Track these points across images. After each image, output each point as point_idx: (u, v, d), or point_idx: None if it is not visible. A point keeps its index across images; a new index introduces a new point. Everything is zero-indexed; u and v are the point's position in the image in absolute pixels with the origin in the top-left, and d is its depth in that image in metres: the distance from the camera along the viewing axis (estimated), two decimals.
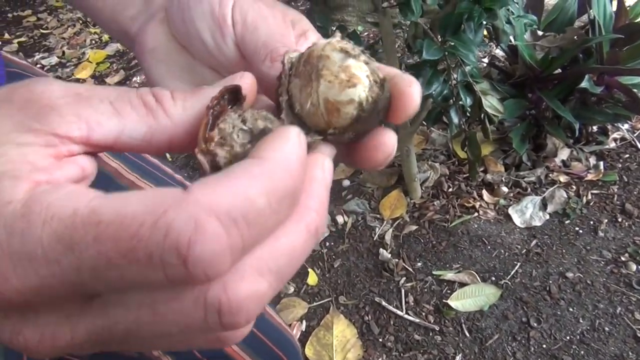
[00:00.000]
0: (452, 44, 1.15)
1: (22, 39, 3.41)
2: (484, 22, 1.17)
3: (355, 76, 0.21)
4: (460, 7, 1.15)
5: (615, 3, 1.61)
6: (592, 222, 1.45)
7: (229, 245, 0.15)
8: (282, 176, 0.16)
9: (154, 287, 0.16)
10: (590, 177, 1.56)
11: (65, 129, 0.18)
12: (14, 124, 0.17)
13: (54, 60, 3.07)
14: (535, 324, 1.25)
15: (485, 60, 2.03)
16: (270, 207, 0.16)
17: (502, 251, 1.43)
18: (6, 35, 3.49)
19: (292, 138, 0.18)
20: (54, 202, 0.16)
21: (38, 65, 3.05)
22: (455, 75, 1.26)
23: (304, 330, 1.35)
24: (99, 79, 2.77)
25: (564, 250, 1.40)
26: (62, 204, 0.16)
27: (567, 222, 1.47)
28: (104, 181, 0.54)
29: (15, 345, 0.17)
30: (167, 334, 0.17)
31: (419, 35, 1.27)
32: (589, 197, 1.51)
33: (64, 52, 3.12)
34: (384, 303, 1.36)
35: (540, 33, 1.64)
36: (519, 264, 1.39)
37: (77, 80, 2.80)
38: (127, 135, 0.19)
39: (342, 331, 1.32)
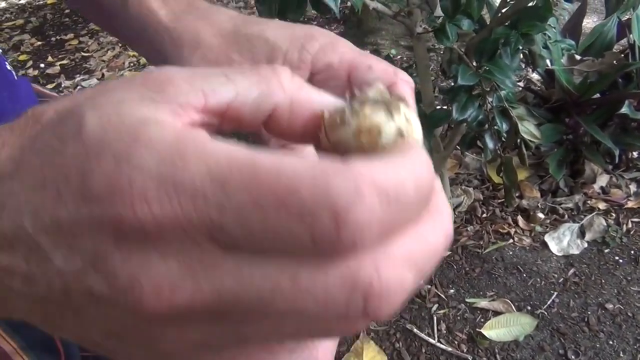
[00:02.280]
0: (488, 69, 1.14)
1: (65, 61, 3.53)
2: (521, 47, 1.16)
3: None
4: (496, 33, 1.15)
5: None
6: (632, 252, 1.41)
7: (380, 219, 0.15)
8: (426, 171, 0.16)
9: (297, 253, 0.15)
10: (630, 204, 1.52)
11: (185, 99, 0.17)
12: (138, 98, 0.17)
13: (94, 81, 3.17)
14: (573, 357, 1.21)
15: (521, 84, 2.01)
16: (417, 197, 0.16)
17: (538, 280, 1.39)
18: (49, 58, 3.63)
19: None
20: (208, 144, 0.16)
21: (79, 87, 3.16)
22: (490, 100, 1.25)
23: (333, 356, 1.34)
24: None
25: (603, 281, 1.35)
26: (216, 146, 0.16)
27: (606, 251, 1.42)
28: None
29: (129, 295, 0.16)
30: (299, 313, 0.16)
31: (454, 60, 1.26)
32: (629, 225, 1.47)
33: (103, 75, 3.22)
34: (415, 330, 1.34)
35: (578, 57, 1.62)
36: (555, 293, 1.35)
37: None
38: (239, 100, 0.18)
39: (372, 358, 1.30)
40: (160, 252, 0.15)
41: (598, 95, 1.56)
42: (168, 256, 0.15)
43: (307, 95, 0.19)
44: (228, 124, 0.19)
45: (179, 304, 0.15)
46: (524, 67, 1.92)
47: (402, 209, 0.15)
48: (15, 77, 0.45)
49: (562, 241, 1.46)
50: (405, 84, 0.28)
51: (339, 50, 0.30)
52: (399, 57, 2.48)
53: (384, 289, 0.15)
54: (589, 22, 2.35)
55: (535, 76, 1.94)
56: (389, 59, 1.34)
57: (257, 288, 0.15)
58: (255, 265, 0.15)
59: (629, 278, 1.34)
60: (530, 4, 1.15)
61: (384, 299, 0.15)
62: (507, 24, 1.17)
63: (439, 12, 1.10)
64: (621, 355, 1.20)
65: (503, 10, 1.22)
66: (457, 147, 1.44)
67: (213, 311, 0.16)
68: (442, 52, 1.30)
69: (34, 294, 0.17)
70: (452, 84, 1.24)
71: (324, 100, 0.20)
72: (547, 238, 1.47)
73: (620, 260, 1.39)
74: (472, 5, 1.03)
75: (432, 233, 0.17)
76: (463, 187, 1.66)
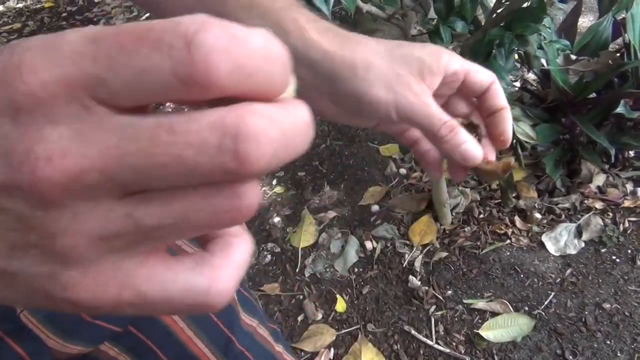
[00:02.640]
0: None
1: None
2: (515, 48, 1.16)
3: None
4: (490, 34, 1.15)
5: None
6: (629, 251, 1.41)
7: (227, 48, 0.16)
8: (277, 45, 0.18)
9: (167, 93, 0.17)
10: (627, 203, 1.52)
11: None
12: None
13: None
14: (570, 357, 1.21)
15: (517, 83, 2.01)
16: (265, 56, 0.17)
17: (536, 280, 1.39)
18: None
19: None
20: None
21: None
22: None
23: (331, 358, 1.34)
24: None
25: (600, 280, 1.35)
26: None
27: (603, 250, 1.42)
28: None
29: (25, 166, 0.16)
30: (180, 165, 0.17)
31: None
32: (626, 224, 1.47)
33: None
34: (413, 332, 1.34)
35: (573, 57, 1.61)
36: (553, 293, 1.35)
37: None
38: None
39: None
40: (51, 121, 0.16)
41: (594, 94, 1.55)
42: (59, 123, 0.16)
43: None
44: None
45: (71, 169, 0.16)
46: (519, 67, 1.92)
47: (251, 51, 0.17)
48: None
49: (559, 241, 1.46)
50: (497, 81, 0.43)
51: (458, 61, 0.42)
52: None
53: (250, 132, 0.16)
54: (585, 21, 2.35)
55: (531, 76, 1.94)
56: None
57: (139, 142, 0.16)
58: (136, 122, 0.17)
59: (626, 277, 1.34)
60: (524, 5, 1.15)
61: (251, 142, 0.16)
62: (501, 25, 1.17)
63: (433, 14, 1.10)
64: (618, 354, 1.20)
65: (498, 11, 1.22)
66: None
67: (106, 177, 0.17)
68: None
69: None
70: None
71: None
72: (544, 238, 1.48)
73: (617, 260, 1.39)
74: (465, 7, 1.03)
75: (294, 112, 0.18)
76: (460, 188, 1.66)
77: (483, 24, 1.25)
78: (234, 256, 0.21)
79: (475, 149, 0.40)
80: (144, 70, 0.16)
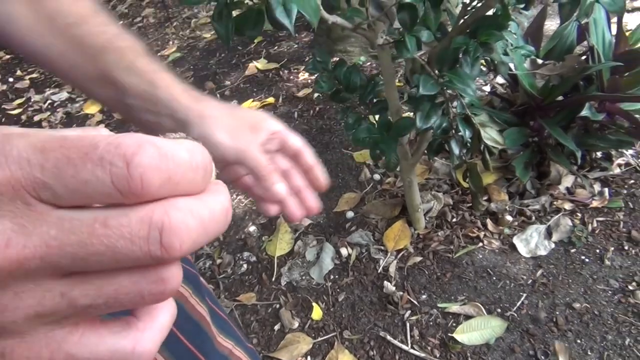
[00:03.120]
0: (449, 78, 1.16)
1: (34, 75, 3.48)
2: (480, 56, 1.18)
3: None
4: (455, 42, 1.17)
5: (614, 29, 1.61)
6: (598, 251, 1.44)
7: (159, 166, 0.19)
8: (200, 150, 0.21)
9: (105, 199, 0.19)
10: (595, 204, 1.55)
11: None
12: None
13: (64, 95, 3.13)
14: (542, 357, 1.23)
15: (487, 88, 2.04)
16: (190, 162, 0.20)
17: (508, 282, 1.41)
18: (19, 72, 3.57)
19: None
20: (29, 130, 0.20)
21: (48, 101, 3.11)
22: (454, 105, 1.27)
23: None
24: (106, 113, 2.82)
25: (570, 280, 1.38)
26: (36, 131, 0.20)
27: (572, 250, 1.45)
28: None
29: None
30: (113, 252, 0.19)
31: (416, 69, 1.28)
32: (595, 224, 1.50)
33: (73, 88, 3.17)
34: (388, 337, 1.35)
35: (540, 61, 1.65)
36: (525, 295, 1.37)
37: (86, 116, 2.85)
38: None
39: None
40: None
41: (561, 97, 1.59)
42: (3, 217, 0.19)
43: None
44: None
45: (14, 257, 0.19)
46: (488, 72, 1.95)
47: (177, 165, 0.20)
48: None
49: (530, 243, 1.48)
50: (305, 147, 0.57)
51: (279, 125, 0.57)
52: (368, 63, 2.50)
53: (173, 226, 0.19)
54: (552, 25, 2.40)
55: (501, 80, 1.97)
56: (354, 68, 1.35)
57: (76, 234, 0.19)
58: (74, 216, 0.19)
59: (595, 277, 1.37)
60: (489, 13, 1.17)
61: (174, 234, 0.19)
62: (466, 32, 1.19)
63: (398, 24, 1.11)
64: (589, 353, 1.22)
65: (463, 19, 1.24)
66: (426, 152, 1.45)
67: (45, 263, 0.19)
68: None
69: None
70: (415, 89, 1.26)
71: None
72: (515, 240, 1.50)
73: (587, 260, 1.42)
74: (428, 17, 1.05)
75: (213, 202, 0.21)
76: (433, 192, 1.68)
77: (449, 32, 1.27)
78: (158, 319, 0.23)
79: (283, 189, 0.54)
80: (88, 181, 0.19)
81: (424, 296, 1.43)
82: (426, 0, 1.03)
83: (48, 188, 0.19)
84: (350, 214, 1.74)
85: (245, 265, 1.69)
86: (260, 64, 2.75)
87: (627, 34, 1.63)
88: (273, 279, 1.61)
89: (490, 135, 1.24)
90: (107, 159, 0.18)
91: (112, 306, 0.21)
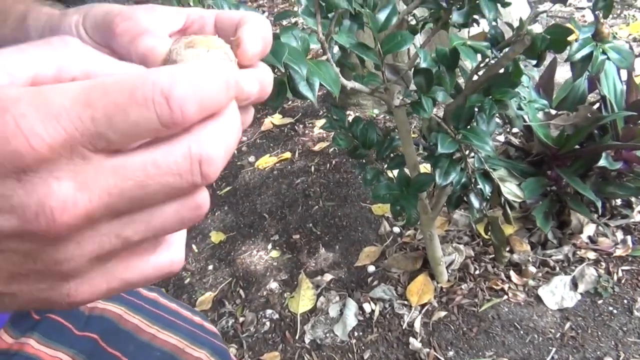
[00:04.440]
0: (466, 135, 1.18)
1: None
2: (496, 113, 1.20)
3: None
4: (470, 100, 1.20)
5: (624, 75, 1.64)
6: (625, 301, 1.42)
7: (194, 93, 0.21)
8: (226, 70, 0.23)
9: (155, 142, 0.21)
10: (619, 252, 1.54)
11: None
12: None
13: None
14: None
15: (501, 137, 2.06)
16: (218, 83, 0.22)
17: (536, 336, 1.39)
18: None
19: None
20: (58, 85, 0.20)
21: None
22: (472, 157, 1.29)
23: None
24: None
25: (599, 333, 1.36)
26: (65, 85, 0.20)
27: (599, 301, 1.43)
28: (125, 338, 0.56)
29: (41, 217, 0.19)
30: (165, 188, 0.22)
31: (432, 127, 1.31)
32: (620, 274, 1.48)
33: None
34: None
35: (553, 112, 1.67)
36: (554, 349, 1.35)
37: None
38: (41, 76, 0.23)
39: None
40: (56, 176, 0.20)
41: (577, 147, 1.60)
42: (63, 177, 0.20)
43: (99, 65, 0.25)
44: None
45: (82, 212, 0.20)
46: (502, 125, 1.98)
47: (208, 90, 0.21)
48: None
49: (556, 294, 1.47)
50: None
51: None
52: (381, 116, 2.54)
53: (209, 157, 0.22)
54: (562, 71, 2.43)
55: (515, 129, 1.99)
56: (371, 124, 1.38)
57: (133, 179, 0.21)
58: (126, 162, 0.21)
59: (625, 329, 1.35)
60: (501, 71, 1.21)
61: (211, 163, 0.22)
62: (480, 89, 1.22)
63: (414, 85, 1.14)
64: None
65: (476, 75, 1.28)
66: (445, 205, 1.46)
67: (108, 210, 0.21)
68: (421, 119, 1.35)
69: None
70: (432, 146, 1.28)
71: (113, 68, 0.26)
72: (540, 292, 1.48)
73: (615, 311, 1.40)
74: (444, 80, 1.08)
75: (232, 123, 0.24)
76: (454, 244, 1.67)
77: (463, 88, 1.30)
78: (181, 233, 0.27)
79: None
80: (137, 123, 0.20)
81: (451, 352, 1.41)
82: (441, 65, 1.07)
83: (102, 137, 0.20)
84: (371, 268, 1.74)
85: (268, 323, 1.68)
86: (275, 119, 2.81)
87: (637, 79, 1.65)
88: (297, 337, 1.60)
89: (510, 190, 1.25)
90: (150, 98, 0.20)
91: (158, 236, 0.24)
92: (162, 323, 0.61)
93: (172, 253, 0.26)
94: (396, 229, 1.88)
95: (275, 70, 0.85)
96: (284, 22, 3.10)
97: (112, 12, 0.33)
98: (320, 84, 0.87)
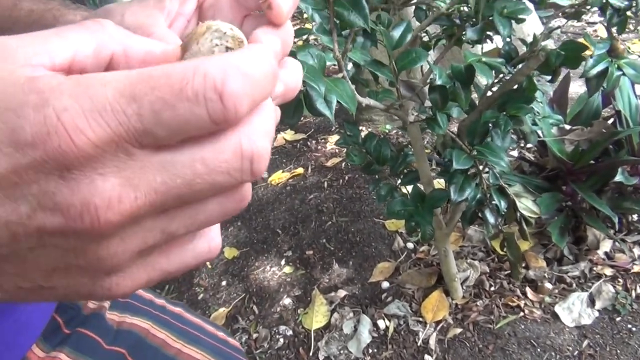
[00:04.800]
0: (481, 151, 1.18)
1: None
2: (511, 129, 1.20)
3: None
4: (485, 116, 1.20)
5: (638, 90, 1.63)
6: None
7: (245, 89, 0.20)
8: (268, 57, 0.22)
9: (202, 131, 0.20)
10: (636, 269, 1.52)
11: (36, 60, 0.20)
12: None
13: None
14: None
15: (514, 152, 2.05)
16: (264, 75, 0.21)
17: (553, 354, 1.37)
18: None
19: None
20: (101, 74, 0.19)
21: None
22: (487, 172, 1.28)
23: None
24: None
25: (618, 351, 1.34)
26: (108, 74, 0.19)
27: (618, 319, 1.41)
28: (152, 353, 0.57)
29: (85, 215, 0.19)
30: (212, 186, 0.21)
31: (447, 143, 1.31)
32: (638, 290, 1.46)
33: None
34: None
35: (567, 127, 1.66)
36: None
37: None
38: (80, 56, 0.22)
39: None
40: (100, 173, 0.19)
41: (592, 162, 1.59)
42: (108, 174, 0.19)
43: (136, 41, 0.24)
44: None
45: (127, 210, 0.19)
46: (517, 141, 1.97)
47: (258, 83, 0.21)
48: None
49: (573, 311, 1.45)
50: None
51: None
52: (393, 132, 2.55)
53: (260, 154, 0.21)
54: (576, 86, 2.43)
55: (528, 144, 1.99)
56: (384, 141, 1.39)
57: (180, 177, 0.20)
58: (174, 159, 0.20)
59: None
60: (515, 87, 1.21)
61: (261, 160, 0.21)
62: (495, 106, 1.22)
63: (428, 102, 1.15)
64: None
65: (490, 91, 1.28)
66: (459, 221, 1.46)
67: (153, 208, 0.20)
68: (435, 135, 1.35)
69: None
70: (447, 162, 1.28)
71: (149, 44, 0.25)
72: (557, 309, 1.47)
73: (634, 329, 1.38)
74: (459, 97, 1.08)
75: (273, 115, 0.23)
76: (468, 260, 1.66)
77: (477, 103, 1.30)
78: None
79: None
80: (187, 120, 0.19)
81: None
82: (456, 81, 1.07)
83: (148, 134, 0.19)
84: (385, 284, 1.74)
85: (281, 340, 1.67)
86: (288, 134, 2.83)
87: None
88: (310, 354, 1.59)
89: (526, 206, 1.25)
90: (201, 93, 0.19)
91: (202, 228, 0.24)
92: (187, 338, 0.62)
93: (209, 239, 0.26)
94: (410, 245, 1.87)
95: None
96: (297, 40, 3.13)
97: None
98: (337, 101, 0.88)
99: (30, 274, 0.21)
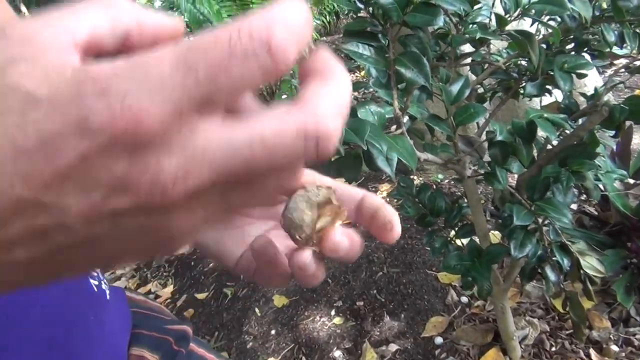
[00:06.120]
0: (542, 206, 1.15)
1: None
2: (573, 185, 1.17)
3: None
4: (546, 171, 1.17)
5: None
6: None
7: (291, 41, 0.20)
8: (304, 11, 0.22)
9: (253, 89, 0.20)
10: None
11: (67, 41, 0.20)
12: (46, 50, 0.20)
13: None
14: None
15: (574, 205, 1.99)
16: (306, 25, 0.21)
17: None
18: None
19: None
20: (148, 54, 0.19)
21: None
22: (548, 229, 1.24)
23: None
24: None
25: None
26: (155, 53, 0.19)
27: None
28: None
29: (156, 193, 0.19)
30: (274, 166, 0.21)
31: (505, 197, 1.28)
32: None
33: None
34: None
35: (631, 181, 1.61)
36: None
37: None
38: (98, 32, 0.22)
39: None
40: (166, 151, 0.19)
41: None
42: (173, 153, 0.19)
43: (149, 16, 0.24)
44: (89, 55, 0.22)
45: (192, 184, 0.20)
46: (578, 195, 1.91)
47: (299, 31, 0.20)
48: (107, 297, 0.50)
49: None
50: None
51: None
52: (445, 181, 2.52)
53: (328, 134, 0.21)
54: (638, 137, 2.35)
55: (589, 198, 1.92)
56: (439, 193, 1.37)
57: (238, 157, 0.20)
58: (232, 136, 0.20)
59: None
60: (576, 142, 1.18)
61: (329, 141, 0.21)
62: (555, 160, 1.19)
63: (487, 157, 1.13)
64: None
65: (550, 145, 1.25)
66: (518, 277, 1.41)
67: (214, 185, 0.20)
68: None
69: (50, 246, 0.20)
70: (506, 215, 1.25)
71: (160, 17, 0.24)
72: None
73: None
74: (521, 153, 1.07)
75: (344, 88, 0.23)
76: (527, 317, 1.60)
77: (536, 158, 1.28)
78: None
79: None
80: (242, 78, 0.19)
81: None
82: (517, 137, 1.06)
83: (208, 101, 0.19)
84: (439, 340, 1.68)
85: None
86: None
87: None
88: None
89: (591, 264, 1.20)
90: (250, 51, 0.19)
91: (260, 202, 0.24)
92: None
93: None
94: (464, 299, 1.82)
95: (351, 144, 0.87)
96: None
97: None
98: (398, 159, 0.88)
99: (101, 257, 0.22)
